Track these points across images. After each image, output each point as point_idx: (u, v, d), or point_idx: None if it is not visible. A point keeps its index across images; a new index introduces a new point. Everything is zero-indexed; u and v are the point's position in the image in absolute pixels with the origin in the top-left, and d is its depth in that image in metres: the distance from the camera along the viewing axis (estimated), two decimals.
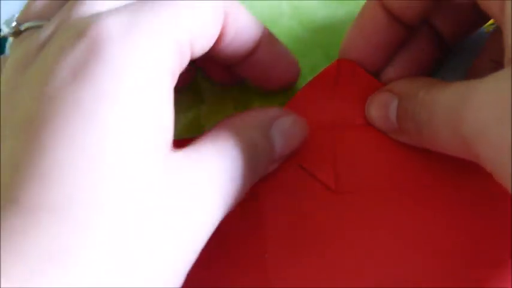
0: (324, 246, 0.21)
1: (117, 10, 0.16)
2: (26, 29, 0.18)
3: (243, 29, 0.20)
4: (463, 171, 0.19)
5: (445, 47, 0.23)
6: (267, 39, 0.21)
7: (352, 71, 0.23)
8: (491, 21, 0.24)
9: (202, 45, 0.18)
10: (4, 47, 0.27)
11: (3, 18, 0.27)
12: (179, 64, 0.17)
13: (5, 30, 0.19)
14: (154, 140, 0.15)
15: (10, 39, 0.20)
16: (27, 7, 0.19)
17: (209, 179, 0.16)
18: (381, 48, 0.22)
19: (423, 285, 0.20)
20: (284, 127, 0.20)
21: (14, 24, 0.19)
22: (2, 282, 0.12)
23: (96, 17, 0.16)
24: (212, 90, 0.25)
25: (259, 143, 0.19)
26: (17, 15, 0.19)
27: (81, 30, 0.15)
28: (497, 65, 0.21)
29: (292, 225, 0.21)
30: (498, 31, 0.21)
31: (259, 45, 0.21)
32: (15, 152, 0.14)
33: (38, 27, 0.18)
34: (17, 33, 0.18)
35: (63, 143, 0.14)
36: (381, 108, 0.21)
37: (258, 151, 0.19)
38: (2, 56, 0.23)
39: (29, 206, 0.13)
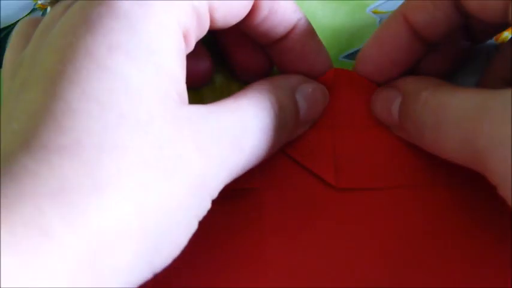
0: (323, 242, 0.21)
1: None
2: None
3: (278, 8, 0.20)
4: (462, 169, 0.19)
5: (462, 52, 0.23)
6: (302, 27, 0.21)
7: (349, 77, 0.23)
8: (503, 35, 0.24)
9: (225, 13, 0.18)
10: (4, 47, 0.27)
11: (3, 18, 0.27)
12: (196, 26, 0.17)
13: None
14: (165, 90, 0.16)
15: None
16: None
17: (244, 125, 0.17)
18: (399, 64, 0.22)
19: (422, 283, 0.20)
20: (307, 92, 0.21)
21: None
22: (9, 220, 0.12)
23: None
24: (212, 90, 0.25)
25: (287, 104, 0.20)
26: None
27: None
28: (505, 82, 0.21)
29: (292, 222, 0.21)
30: (506, 47, 0.21)
31: (292, 30, 0.21)
32: (32, 102, 0.15)
33: None
34: (53, 2, 0.19)
35: (76, 91, 0.14)
36: (384, 103, 0.21)
37: (286, 111, 0.20)
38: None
39: (40, 149, 0.14)
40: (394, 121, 0.21)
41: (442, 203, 0.21)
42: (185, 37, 0.17)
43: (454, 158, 0.18)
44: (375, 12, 0.27)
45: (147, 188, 0.14)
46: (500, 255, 0.20)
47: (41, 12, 0.27)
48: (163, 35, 0.16)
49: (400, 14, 0.20)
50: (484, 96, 0.16)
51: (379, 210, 0.21)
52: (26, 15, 0.27)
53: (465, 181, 0.21)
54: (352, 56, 0.26)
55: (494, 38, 0.26)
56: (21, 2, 0.28)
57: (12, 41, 0.20)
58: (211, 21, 0.17)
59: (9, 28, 0.27)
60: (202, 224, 0.16)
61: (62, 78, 0.15)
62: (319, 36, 0.26)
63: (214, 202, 0.17)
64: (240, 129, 0.17)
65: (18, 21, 0.27)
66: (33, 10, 0.28)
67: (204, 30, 0.18)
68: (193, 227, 0.16)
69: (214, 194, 0.17)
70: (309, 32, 0.21)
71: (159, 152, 0.15)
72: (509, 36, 0.25)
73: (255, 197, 0.21)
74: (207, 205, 0.16)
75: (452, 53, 0.23)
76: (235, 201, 0.21)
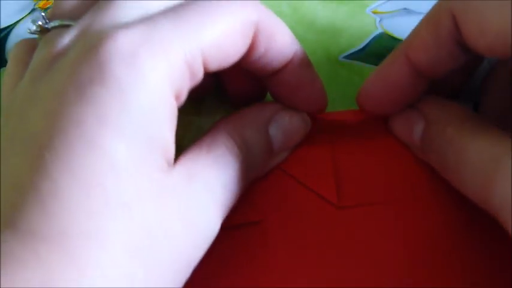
0: (327, 261, 0.21)
1: (133, 24, 0.16)
2: (54, 28, 0.18)
3: (275, 45, 0.19)
4: None
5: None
6: (298, 59, 0.20)
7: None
8: None
9: (220, 60, 0.17)
10: (4, 47, 0.27)
11: (3, 18, 0.27)
12: (189, 82, 0.17)
13: (32, 27, 0.19)
14: (153, 163, 0.15)
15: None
16: (57, 4, 0.19)
17: (206, 190, 0.17)
18: (401, 100, 0.21)
19: None
20: (284, 123, 0.20)
21: (40, 22, 0.18)
22: None
23: (112, 30, 0.16)
24: (210, 101, 0.25)
25: (256, 141, 0.19)
26: (44, 13, 0.19)
27: (93, 46, 0.15)
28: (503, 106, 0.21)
29: (296, 242, 0.21)
30: (501, 66, 0.22)
31: (288, 63, 0.20)
32: (19, 170, 0.14)
33: (66, 26, 0.18)
34: (43, 31, 0.18)
35: (63, 168, 0.14)
36: (405, 125, 0.21)
37: (254, 150, 0.19)
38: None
39: (27, 234, 0.13)
40: (415, 144, 0.21)
41: (445, 215, 0.21)
42: (178, 97, 0.16)
43: (470, 197, 0.18)
44: (374, 12, 0.27)
45: (132, 278, 0.14)
46: (501, 264, 0.20)
47: (40, 12, 0.27)
48: (155, 104, 0.15)
49: (402, 53, 0.20)
50: (501, 149, 0.16)
51: (381, 224, 0.21)
52: (26, 15, 0.27)
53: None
54: (352, 56, 0.26)
55: None
56: (21, 2, 0.28)
57: (8, 67, 0.20)
58: (205, 69, 0.17)
59: (9, 28, 0.27)
60: (206, 256, 0.17)
61: (49, 150, 0.14)
62: (319, 36, 0.26)
63: (217, 237, 0.17)
64: (201, 195, 0.17)
65: (18, 21, 0.27)
66: (33, 10, 0.28)
67: (197, 81, 0.17)
68: None
69: (197, 262, 0.17)
70: (305, 63, 0.21)
71: (146, 236, 0.15)
72: None
73: (259, 225, 0.21)
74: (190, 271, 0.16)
75: (453, 83, 0.23)
76: (239, 233, 0.21)
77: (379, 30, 0.26)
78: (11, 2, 0.28)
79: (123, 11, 0.17)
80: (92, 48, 0.15)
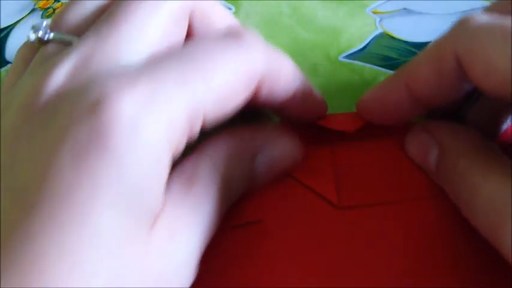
0: (327, 261, 0.21)
1: (137, 76, 0.15)
2: (53, 40, 0.18)
3: (278, 87, 0.19)
4: None
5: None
6: (302, 89, 0.20)
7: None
8: None
9: (220, 114, 0.17)
10: (4, 47, 0.27)
11: (3, 18, 0.27)
12: (187, 138, 0.16)
13: (32, 36, 0.18)
14: (140, 236, 0.15)
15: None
16: (61, 13, 0.19)
17: (187, 245, 0.17)
18: (398, 119, 0.21)
19: None
20: (271, 155, 0.20)
21: (40, 33, 0.18)
22: None
23: (115, 86, 0.15)
24: None
25: (240, 173, 0.19)
26: (46, 22, 0.19)
27: (94, 103, 0.15)
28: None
29: (296, 242, 0.21)
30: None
31: (292, 97, 0.20)
32: (5, 227, 0.14)
33: (65, 41, 0.18)
34: (42, 41, 0.18)
35: (49, 238, 0.13)
36: (420, 150, 0.21)
37: (237, 181, 0.19)
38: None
39: None
40: (431, 170, 0.20)
41: (443, 216, 0.21)
42: (174, 153, 0.16)
43: (483, 235, 0.18)
44: (374, 12, 0.27)
45: None
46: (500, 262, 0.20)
47: (40, 12, 0.27)
48: (152, 172, 0.15)
49: (402, 80, 0.20)
50: (506, 198, 0.16)
51: (380, 224, 0.21)
52: (26, 15, 0.27)
53: None
54: (352, 56, 0.26)
55: None
56: (21, 2, 0.28)
57: (12, 64, 0.20)
58: (203, 123, 0.16)
59: (9, 28, 0.27)
60: (205, 256, 0.17)
61: (38, 213, 0.14)
62: (319, 36, 0.26)
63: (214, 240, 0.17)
64: (180, 247, 0.16)
65: (18, 21, 0.27)
66: (33, 10, 0.28)
67: (194, 136, 0.17)
68: None
69: None
70: (309, 90, 0.20)
71: None
72: None
73: (258, 227, 0.21)
74: None
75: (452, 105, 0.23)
76: (238, 233, 0.21)
77: (379, 30, 0.26)
78: (11, 2, 0.28)
79: (126, 45, 0.16)
80: (91, 108, 0.14)
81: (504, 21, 0.16)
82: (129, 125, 0.14)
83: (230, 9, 0.27)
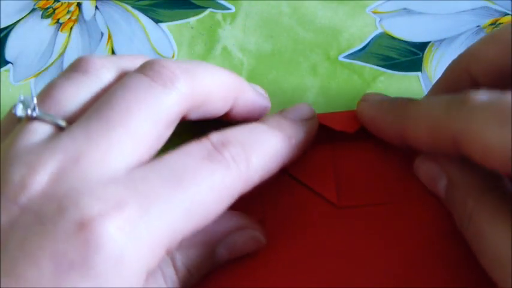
0: (327, 260, 0.21)
1: (123, 200, 0.15)
2: (39, 117, 0.17)
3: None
4: None
5: None
6: (242, 96, 0.21)
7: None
8: None
9: (196, 229, 0.17)
10: (4, 47, 0.27)
11: (3, 18, 0.27)
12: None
13: (20, 110, 0.17)
14: None
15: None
16: (51, 91, 0.18)
17: None
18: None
19: None
20: (232, 244, 0.20)
21: (29, 111, 0.17)
22: None
23: (102, 203, 0.15)
24: None
25: (199, 262, 0.19)
26: (36, 99, 0.18)
27: (81, 222, 0.15)
28: None
29: (296, 242, 0.21)
30: None
31: (236, 103, 0.21)
32: None
33: (53, 123, 0.17)
34: (30, 118, 0.17)
35: None
36: (429, 177, 0.20)
37: (195, 270, 0.19)
38: None
39: None
40: (441, 196, 0.20)
41: (442, 216, 0.21)
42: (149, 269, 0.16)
43: (487, 271, 0.18)
44: (374, 12, 0.27)
45: None
46: None
47: (40, 12, 0.27)
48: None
49: (398, 133, 0.20)
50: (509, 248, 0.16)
51: (380, 224, 0.21)
52: (26, 15, 0.27)
53: None
54: (352, 56, 0.26)
55: None
56: (21, 2, 0.28)
57: None
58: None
59: (9, 28, 0.27)
60: None
61: None
62: (319, 36, 0.26)
63: None
64: None
65: (18, 21, 0.27)
66: (33, 10, 0.28)
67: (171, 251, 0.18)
68: None
69: None
70: (246, 93, 0.21)
71: None
72: None
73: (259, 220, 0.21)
74: None
75: None
76: None
77: (379, 30, 0.26)
78: (11, 2, 0.28)
79: (116, 153, 0.16)
80: (79, 228, 0.14)
81: (503, 100, 0.16)
82: (115, 252, 0.15)
83: (230, 9, 0.27)
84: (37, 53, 0.27)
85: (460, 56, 0.20)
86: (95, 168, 0.16)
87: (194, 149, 0.17)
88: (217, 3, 0.27)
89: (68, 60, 0.26)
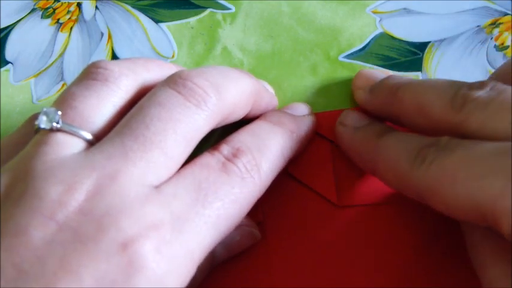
0: (327, 260, 0.21)
1: (161, 222, 0.16)
2: (65, 130, 0.17)
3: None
4: None
5: None
6: (259, 100, 0.21)
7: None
8: None
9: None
10: (4, 47, 0.27)
11: (3, 18, 0.27)
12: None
13: (44, 123, 0.17)
14: None
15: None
16: (73, 101, 0.18)
17: None
18: None
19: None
20: (230, 241, 0.21)
21: (54, 124, 0.17)
22: None
23: (143, 225, 0.15)
24: None
25: (204, 263, 0.19)
26: (60, 111, 0.17)
27: (122, 243, 0.15)
28: None
29: (296, 241, 0.21)
30: None
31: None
32: None
33: (79, 136, 0.17)
34: (53, 129, 0.17)
35: None
36: None
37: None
38: None
39: None
40: None
41: (441, 216, 0.21)
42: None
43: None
44: (374, 12, 0.27)
45: None
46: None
47: (40, 13, 0.27)
48: None
49: (370, 171, 0.21)
50: None
51: (379, 224, 0.21)
52: (26, 15, 0.27)
53: None
54: (352, 56, 0.26)
55: (494, 38, 0.26)
56: (21, 2, 0.28)
57: (9, 139, 0.19)
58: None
59: (9, 28, 0.27)
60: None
61: None
62: (319, 36, 0.26)
63: None
64: None
65: (18, 21, 0.27)
66: (33, 10, 0.28)
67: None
68: None
69: None
70: (261, 94, 0.22)
71: None
72: (509, 37, 0.26)
73: (259, 225, 0.22)
74: None
75: None
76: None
77: (379, 30, 0.26)
78: (11, 2, 0.28)
79: (153, 172, 0.16)
80: (121, 248, 0.15)
81: (474, 150, 0.16)
82: (155, 273, 0.15)
83: (230, 9, 0.27)
84: (37, 53, 0.27)
85: None
86: (131, 186, 0.16)
87: (210, 162, 0.18)
88: (217, 3, 0.27)
89: (68, 60, 0.26)
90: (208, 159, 0.18)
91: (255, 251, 0.21)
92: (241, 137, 0.19)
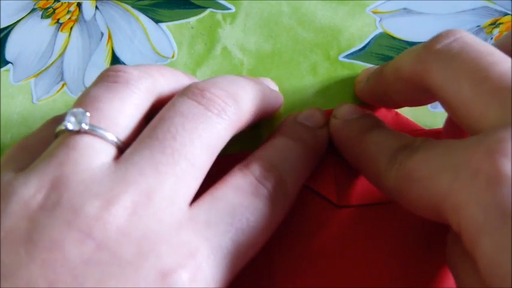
0: (327, 259, 0.21)
1: (197, 249, 0.16)
2: (92, 133, 0.17)
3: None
4: None
5: None
6: (269, 105, 0.22)
7: None
8: None
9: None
10: (4, 47, 0.27)
11: (3, 18, 0.27)
12: None
13: (72, 124, 0.17)
14: None
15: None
16: (98, 101, 0.18)
17: None
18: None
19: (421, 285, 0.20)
20: None
21: (83, 126, 0.17)
22: None
23: (180, 256, 0.16)
24: None
25: None
26: (88, 113, 0.17)
27: (162, 272, 0.15)
28: None
29: (296, 241, 0.21)
30: None
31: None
32: None
33: (103, 138, 0.17)
34: (81, 132, 0.17)
35: None
36: None
37: None
38: None
39: None
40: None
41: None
42: None
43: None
44: (374, 12, 0.27)
45: None
46: None
47: (40, 13, 0.27)
48: None
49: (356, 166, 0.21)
50: None
51: (379, 223, 0.21)
52: (26, 15, 0.27)
53: None
54: (352, 55, 0.26)
55: (494, 38, 0.26)
56: (21, 2, 0.28)
57: (28, 140, 0.19)
58: None
59: (9, 28, 0.27)
60: None
61: None
62: (319, 36, 0.26)
63: None
64: None
65: (18, 21, 0.27)
66: (33, 10, 0.28)
67: None
68: None
69: None
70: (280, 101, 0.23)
71: None
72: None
73: None
74: None
75: None
76: None
77: (379, 30, 0.26)
78: (11, 2, 0.28)
79: (185, 188, 0.17)
80: (161, 277, 0.15)
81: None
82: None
83: (230, 9, 0.27)
84: (37, 53, 0.27)
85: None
86: (167, 206, 0.16)
87: (242, 184, 0.18)
88: (217, 3, 0.27)
89: (68, 60, 0.26)
90: (240, 180, 0.18)
91: (257, 257, 0.21)
92: (269, 156, 0.20)
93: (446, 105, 0.17)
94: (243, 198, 0.18)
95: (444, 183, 0.15)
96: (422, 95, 0.19)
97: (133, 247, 0.15)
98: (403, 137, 0.19)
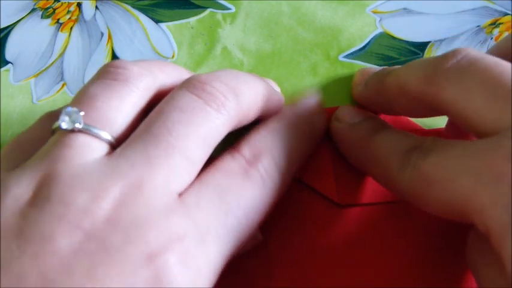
0: (327, 259, 0.21)
1: (185, 232, 0.16)
2: (86, 132, 0.17)
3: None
4: None
5: None
6: (270, 102, 0.21)
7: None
8: None
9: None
10: (4, 47, 0.27)
11: (3, 18, 0.27)
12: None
13: (65, 123, 0.17)
14: None
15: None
16: (93, 102, 0.18)
17: None
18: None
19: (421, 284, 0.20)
20: None
21: (77, 125, 0.17)
22: None
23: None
24: None
25: None
26: (82, 112, 0.17)
27: (150, 254, 0.15)
28: None
29: (297, 240, 0.21)
30: None
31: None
32: None
33: (97, 137, 0.17)
34: (75, 131, 0.17)
35: None
36: None
37: None
38: None
39: None
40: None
41: (434, 216, 0.21)
42: None
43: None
44: (374, 12, 0.27)
45: None
46: None
47: (40, 13, 0.27)
48: None
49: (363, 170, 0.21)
50: None
51: (380, 223, 0.21)
52: (26, 15, 0.27)
53: None
54: (352, 55, 0.26)
55: (494, 38, 0.26)
56: (21, 2, 0.28)
57: (22, 137, 0.19)
58: None
59: (9, 28, 0.27)
60: None
61: None
62: (319, 36, 0.26)
63: None
64: None
65: (18, 21, 0.27)
66: (33, 10, 0.28)
67: None
68: None
69: None
70: (282, 102, 0.22)
71: None
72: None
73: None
74: None
75: None
76: None
77: (379, 30, 0.26)
78: (11, 2, 0.28)
79: (177, 178, 0.17)
80: (148, 259, 0.15)
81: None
82: (180, 285, 0.15)
83: (230, 9, 0.27)
84: (37, 53, 0.27)
85: None
86: (156, 196, 0.16)
87: (232, 167, 0.18)
88: (217, 3, 0.27)
89: (68, 60, 0.26)
90: (229, 163, 0.18)
91: (255, 251, 0.21)
92: (261, 137, 0.19)
93: (456, 117, 0.17)
94: (232, 180, 0.17)
95: (466, 186, 0.15)
96: (427, 111, 0.19)
97: (121, 234, 0.15)
98: (412, 137, 0.19)
